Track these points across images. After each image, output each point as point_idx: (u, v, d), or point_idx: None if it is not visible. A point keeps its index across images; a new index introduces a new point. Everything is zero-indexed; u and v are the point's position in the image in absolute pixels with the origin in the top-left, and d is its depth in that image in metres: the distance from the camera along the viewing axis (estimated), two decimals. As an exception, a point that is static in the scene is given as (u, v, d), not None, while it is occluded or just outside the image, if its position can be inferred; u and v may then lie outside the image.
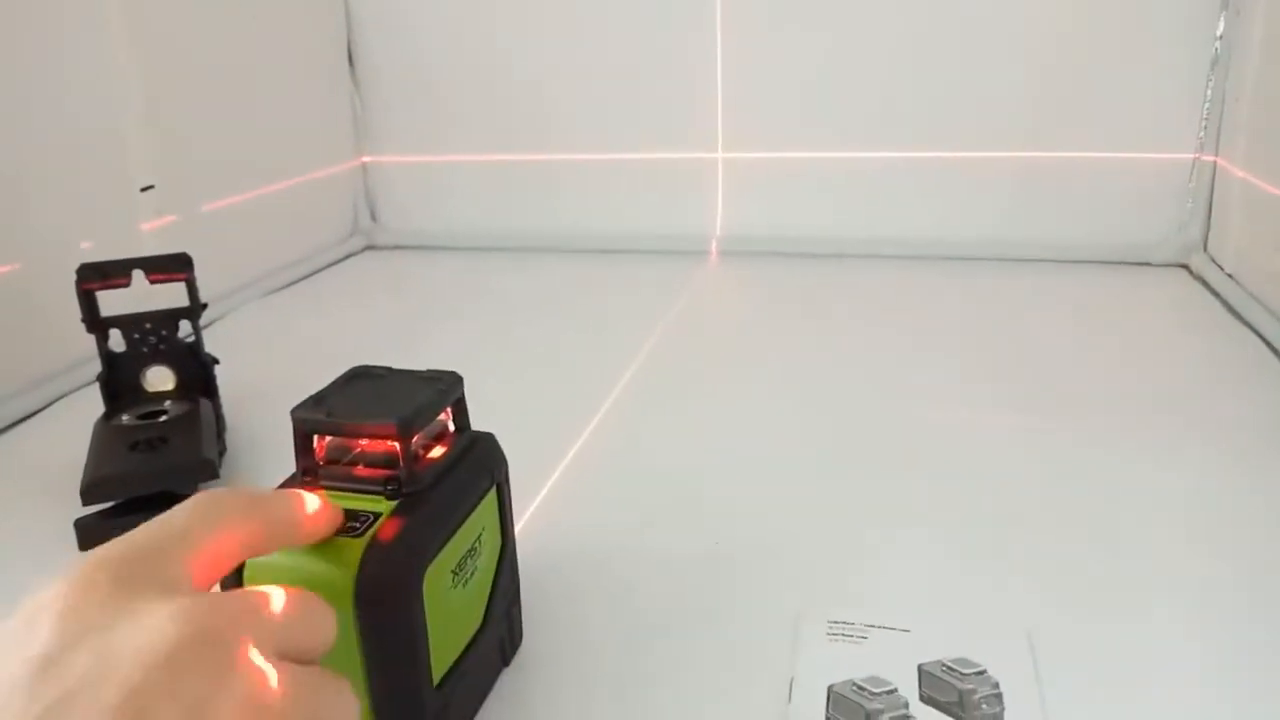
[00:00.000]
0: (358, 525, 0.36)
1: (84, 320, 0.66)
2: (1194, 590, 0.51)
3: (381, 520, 0.37)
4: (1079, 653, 0.46)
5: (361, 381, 0.42)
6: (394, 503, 0.38)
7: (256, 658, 0.25)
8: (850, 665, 0.45)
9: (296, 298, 1.13)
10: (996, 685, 0.43)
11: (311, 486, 0.38)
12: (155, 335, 0.69)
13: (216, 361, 0.71)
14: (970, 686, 0.43)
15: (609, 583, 0.53)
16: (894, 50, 1.15)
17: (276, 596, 0.28)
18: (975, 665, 0.44)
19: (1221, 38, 1.06)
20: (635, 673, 0.46)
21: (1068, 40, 1.11)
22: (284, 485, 0.39)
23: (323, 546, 0.35)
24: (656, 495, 0.63)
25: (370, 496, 0.38)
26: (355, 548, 0.35)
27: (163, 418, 0.66)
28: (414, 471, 0.38)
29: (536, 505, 0.61)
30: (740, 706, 0.44)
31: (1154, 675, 0.45)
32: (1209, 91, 1.08)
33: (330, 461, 0.40)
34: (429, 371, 0.43)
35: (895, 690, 0.43)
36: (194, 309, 0.69)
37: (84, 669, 0.22)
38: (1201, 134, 1.10)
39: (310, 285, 1.18)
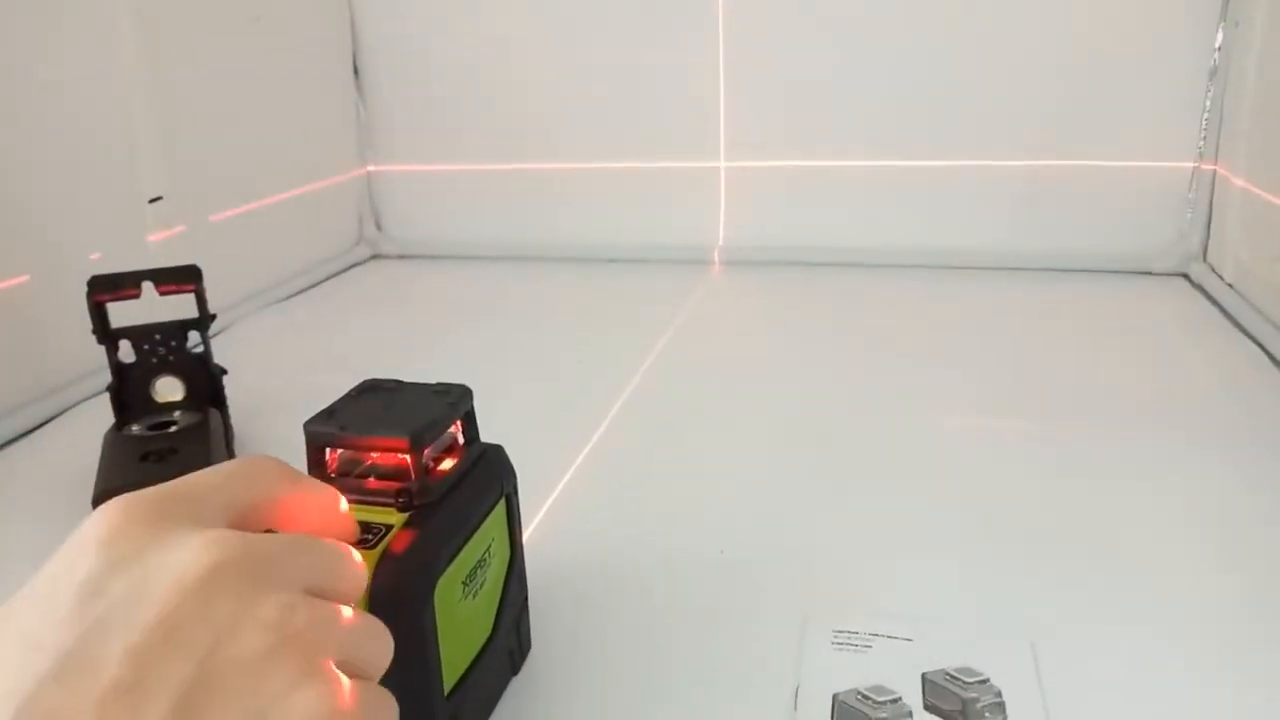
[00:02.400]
0: (370, 537, 0.37)
1: (94, 331, 0.67)
2: (1196, 598, 0.52)
3: (394, 532, 0.37)
4: (1082, 661, 0.47)
5: (372, 395, 0.43)
6: (405, 515, 0.38)
7: (287, 587, 0.26)
8: (855, 674, 0.45)
9: (303, 307, 1.14)
10: (999, 694, 0.44)
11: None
12: (164, 346, 0.70)
13: (225, 372, 0.72)
14: (974, 695, 0.44)
15: (616, 591, 0.54)
16: (895, 59, 1.16)
17: (308, 540, 0.29)
18: (978, 674, 0.45)
19: (1220, 49, 1.07)
20: (641, 681, 0.47)
21: (1068, 51, 1.12)
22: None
23: (336, 558, 0.36)
24: (661, 504, 0.64)
25: (382, 508, 0.39)
26: (368, 559, 0.36)
27: (172, 428, 0.67)
28: (425, 484, 0.39)
29: (543, 514, 0.62)
30: (746, 715, 0.44)
31: (1157, 684, 0.45)
32: (1208, 102, 1.09)
33: (342, 474, 0.40)
34: (439, 384, 0.44)
35: (900, 699, 0.44)
36: (203, 320, 0.70)
37: (122, 593, 0.24)
38: (1201, 143, 1.10)
39: (316, 295, 1.19)
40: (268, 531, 0.32)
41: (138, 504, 0.26)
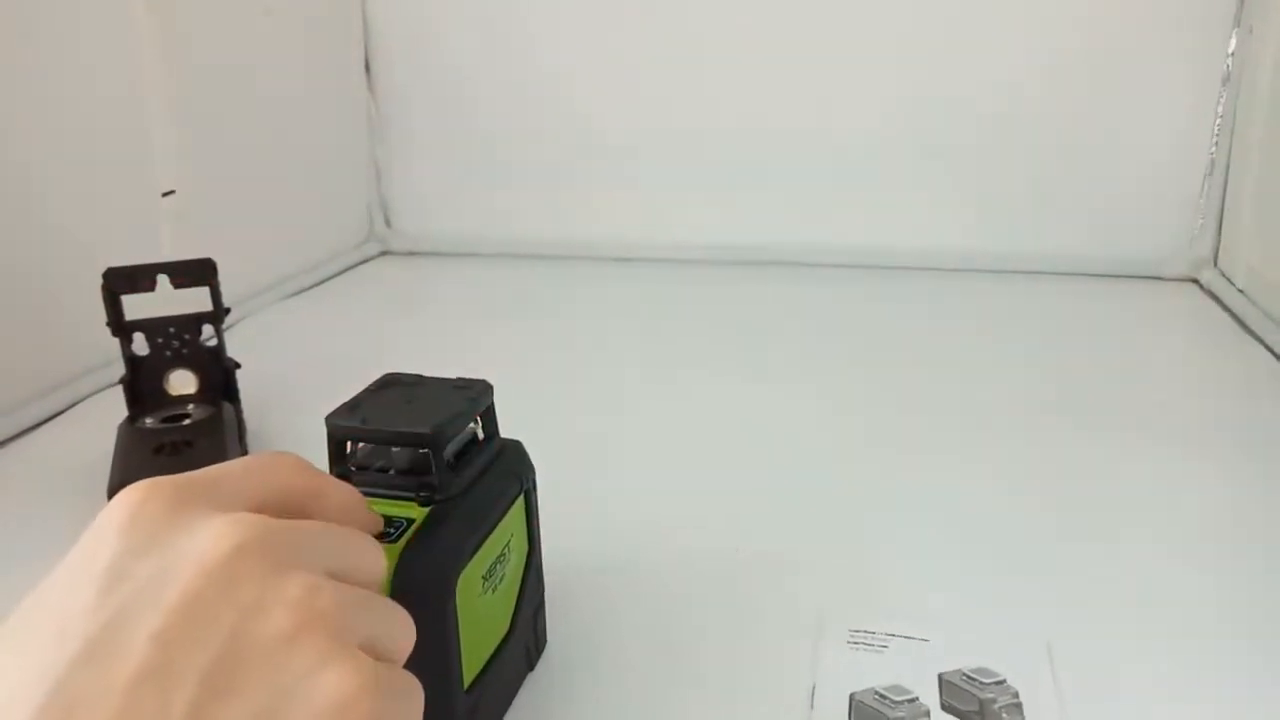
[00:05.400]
0: (392, 531, 0.37)
1: (109, 324, 0.67)
2: (1209, 601, 0.52)
3: (415, 526, 0.37)
4: (1098, 663, 0.47)
5: (393, 389, 0.43)
6: (427, 509, 0.38)
7: (309, 569, 0.26)
8: (871, 673, 0.45)
9: (312, 303, 1.14)
10: (1016, 695, 0.44)
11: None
12: (178, 339, 0.70)
13: (238, 366, 0.72)
14: (991, 696, 0.44)
15: (631, 589, 0.54)
16: (901, 57, 1.16)
17: (329, 525, 0.29)
18: (995, 675, 0.45)
19: (1233, 54, 1.07)
20: (657, 678, 0.47)
21: (1078, 54, 1.12)
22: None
23: (359, 551, 0.36)
24: (676, 503, 0.64)
25: (403, 502, 0.39)
26: (391, 553, 0.36)
27: (186, 421, 0.67)
28: (447, 478, 0.39)
29: (557, 512, 0.62)
30: (762, 713, 0.44)
31: (1173, 685, 0.45)
32: (1220, 107, 1.09)
33: (363, 468, 0.40)
34: (459, 379, 0.44)
35: (916, 698, 0.44)
36: (217, 314, 0.70)
37: (146, 577, 0.24)
38: (1213, 149, 1.10)
39: (325, 291, 1.19)
40: None
41: (158, 489, 0.27)
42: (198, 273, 0.69)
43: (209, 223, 0.99)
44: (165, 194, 0.94)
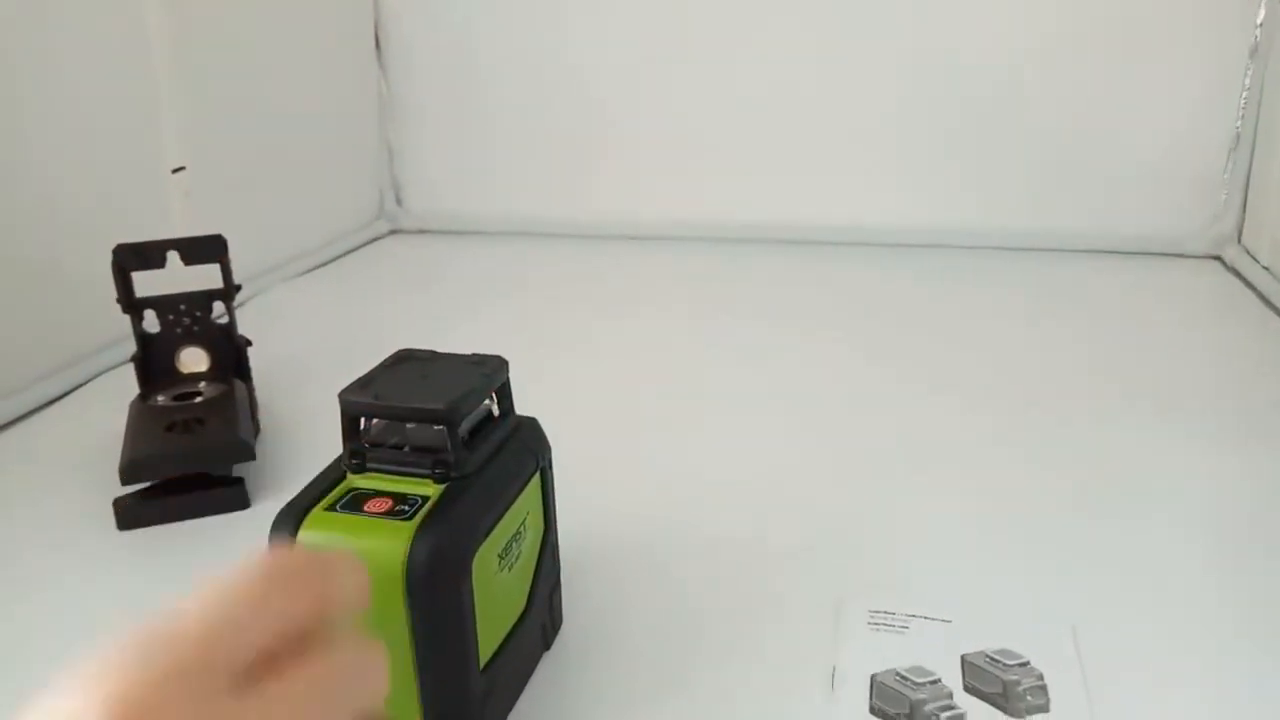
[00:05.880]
0: (407, 508, 0.36)
1: (119, 301, 0.66)
2: (1234, 581, 0.51)
3: (431, 503, 0.37)
4: (1123, 646, 0.46)
5: (407, 365, 0.42)
6: (442, 486, 0.38)
7: None
8: (892, 655, 0.45)
9: (322, 281, 1.13)
10: (1041, 677, 0.43)
11: (359, 469, 0.39)
12: (189, 316, 0.69)
13: (250, 343, 0.71)
14: (1014, 678, 0.43)
15: (649, 570, 0.53)
16: (925, 32, 1.13)
17: (326, 674, 0.24)
18: (1018, 656, 0.44)
19: (1262, 26, 1.04)
20: (676, 659, 0.46)
21: (1101, 28, 1.09)
22: (330, 468, 0.40)
23: (374, 529, 0.35)
24: (694, 483, 0.63)
25: (418, 479, 0.38)
26: (406, 530, 0.35)
27: (198, 399, 0.67)
28: (462, 455, 0.38)
29: (573, 493, 0.61)
30: (783, 693, 0.44)
31: (1197, 666, 0.45)
32: (1247, 81, 1.06)
33: (377, 444, 0.40)
34: (474, 355, 0.43)
35: (939, 680, 0.43)
36: (228, 291, 0.69)
37: None
38: (1239, 125, 1.08)
39: (335, 269, 1.18)
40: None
41: (129, 699, 0.20)
42: (208, 249, 0.68)
43: (219, 200, 0.98)
44: (175, 170, 0.94)
